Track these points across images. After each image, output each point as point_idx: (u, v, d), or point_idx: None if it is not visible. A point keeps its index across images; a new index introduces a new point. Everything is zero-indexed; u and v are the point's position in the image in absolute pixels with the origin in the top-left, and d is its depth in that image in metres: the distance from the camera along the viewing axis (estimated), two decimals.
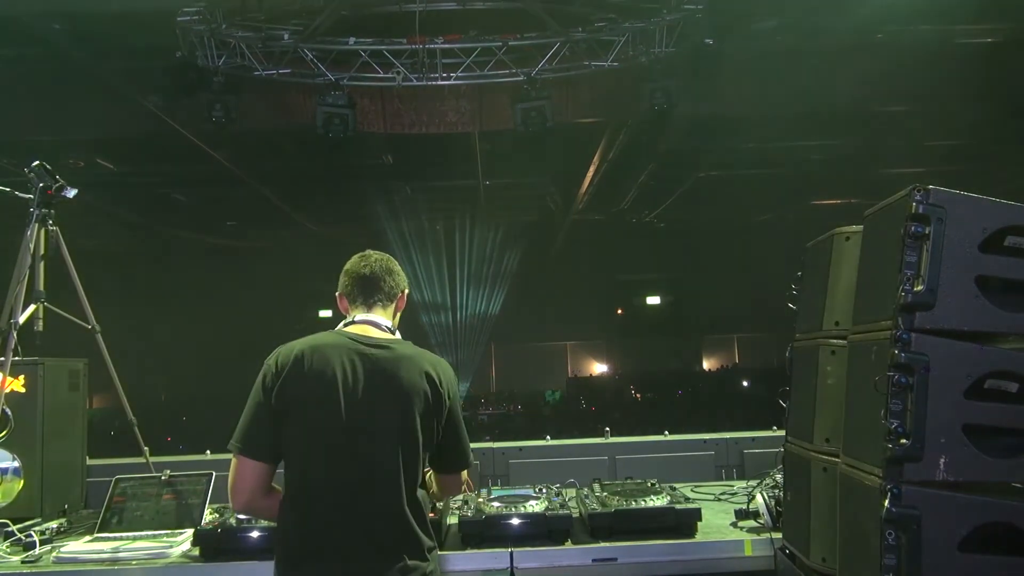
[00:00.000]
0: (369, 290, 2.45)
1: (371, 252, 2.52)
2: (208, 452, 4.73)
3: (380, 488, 2.22)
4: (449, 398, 2.34)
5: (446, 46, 6.61)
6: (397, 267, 2.53)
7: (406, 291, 2.57)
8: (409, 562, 2.22)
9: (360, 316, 2.43)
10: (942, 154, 12.60)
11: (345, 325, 2.44)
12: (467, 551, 2.93)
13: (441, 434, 2.35)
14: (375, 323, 2.42)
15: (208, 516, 3.32)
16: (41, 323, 3.90)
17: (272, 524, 2.45)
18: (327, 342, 2.32)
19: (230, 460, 4.09)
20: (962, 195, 2.00)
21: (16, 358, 3.65)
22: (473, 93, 7.57)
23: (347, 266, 2.50)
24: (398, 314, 2.54)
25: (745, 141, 11.63)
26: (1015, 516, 1.93)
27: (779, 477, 3.22)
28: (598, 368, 21.99)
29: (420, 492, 2.33)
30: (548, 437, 5.05)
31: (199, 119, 7.30)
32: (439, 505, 3.16)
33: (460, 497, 3.26)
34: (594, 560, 2.93)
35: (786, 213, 16.69)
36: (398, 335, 2.48)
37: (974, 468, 1.93)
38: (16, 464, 3.53)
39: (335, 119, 6.56)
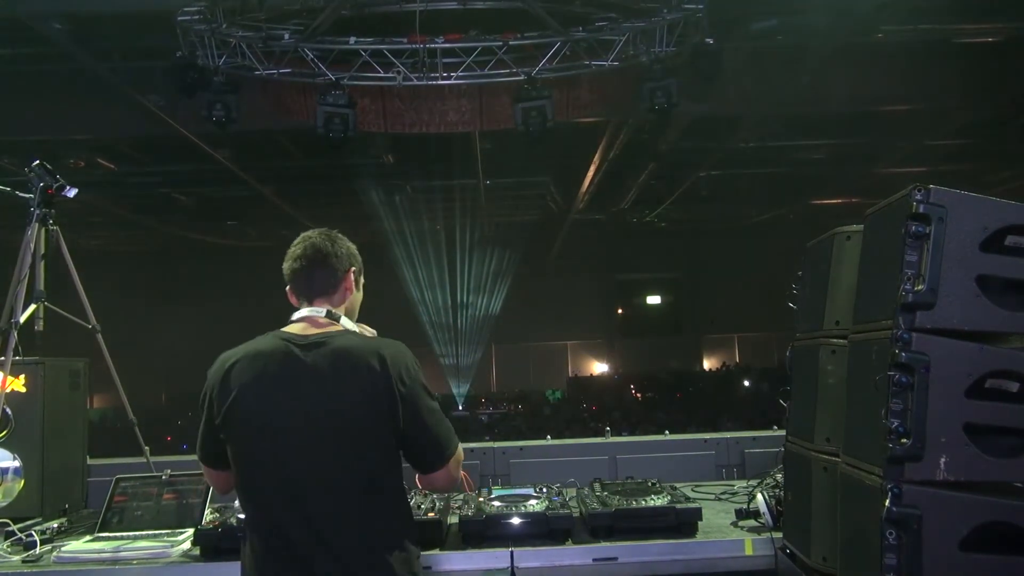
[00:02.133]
0: (306, 280, 2.26)
1: (308, 235, 2.31)
2: None
3: (326, 497, 2.07)
4: (402, 385, 2.09)
5: (446, 45, 6.61)
6: (339, 246, 2.30)
7: (355, 268, 2.34)
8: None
9: (300, 312, 2.26)
10: (942, 154, 12.61)
11: (290, 322, 2.28)
12: (468, 550, 2.93)
13: (403, 427, 2.10)
14: (313, 318, 2.23)
15: (208, 516, 3.32)
16: (42, 323, 3.90)
17: None
18: (259, 349, 2.17)
19: None
20: (963, 194, 2.00)
21: (17, 358, 3.65)
22: (473, 93, 7.56)
23: (286, 256, 2.30)
24: (351, 294, 2.33)
25: (745, 141, 11.64)
26: (1016, 516, 1.93)
27: (780, 477, 3.22)
28: (598, 368, 21.99)
29: (388, 500, 2.15)
30: (549, 437, 5.06)
31: (199, 119, 7.29)
32: (439, 504, 3.16)
33: (460, 496, 3.26)
34: (595, 560, 2.93)
35: (786, 213, 16.71)
36: (347, 323, 2.27)
37: (975, 468, 1.93)
38: (17, 464, 3.53)
39: (335, 119, 6.55)
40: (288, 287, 2.31)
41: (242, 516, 3.04)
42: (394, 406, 2.08)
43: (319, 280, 2.27)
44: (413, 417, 2.11)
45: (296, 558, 2.06)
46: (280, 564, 2.09)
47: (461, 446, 2.26)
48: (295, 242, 2.31)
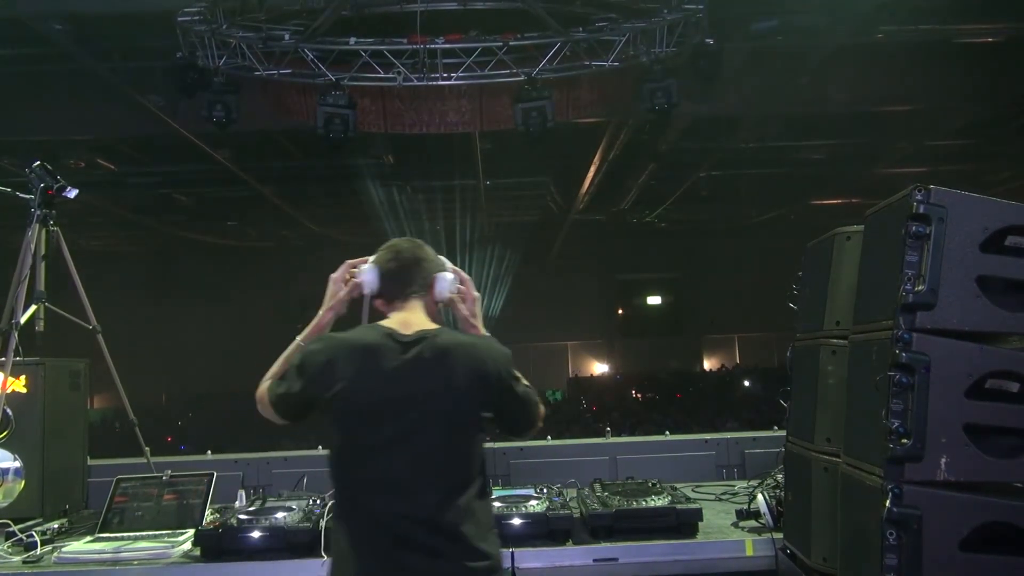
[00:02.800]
0: (402, 285, 2.36)
1: (397, 242, 2.44)
2: (209, 452, 4.74)
3: (428, 485, 2.16)
4: (500, 378, 2.24)
5: (447, 46, 6.60)
6: (428, 252, 2.43)
7: (441, 275, 2.43)
8: (470, 565, 2.14)
9: (398, 310, 2.35)
10: (942, 154, 12.61)
11: (382, 321, 2.36)
12: None
13: (502, 409, 2.28)
14: (413, 315, 2.34)
15: (209, 516, 3.33)
16: (42, 323, 3.91)
17: None
18: (365, 341, 2.25)
19: (231, 460, 4.09)
20: (963, 195, 2.00)
21: (17, 358, 3.65)
22: (474, 93, 7.55)
23: (373, 264, 2.41)
24: (437, 302, 2.44)
25: (745, 141, 11.63)
26: (1016, 516, 1.93)
27: (780, 477, 3.22)
28: (599, 368, 21.98)
29: (483, 487, 2.25)
30: (549, 437, 5.06)
31: (199, 119, 7.28)
32: None
33: None
34: (595, 560, 2.93)
35: (786, 213, 16.70)
36: (433, 324, 2.38)
37: (975, 468, 1.93)
38: (17, 464, 3.53)
39: (335, 119, 6.54)
40: (377, 292, 2.40)
41: (244, 516, 3.06)
42: (493, 397, 2.23)
43: (416, 283, 2.37)
44: (510, 399, 2.28)
45: (402, 546, 2.12)
46: (384, 552, 2.13)
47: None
48: (386, 248, 2.43)
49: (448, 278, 2.44)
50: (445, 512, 2.15)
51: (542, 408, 2.41)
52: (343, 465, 2.23)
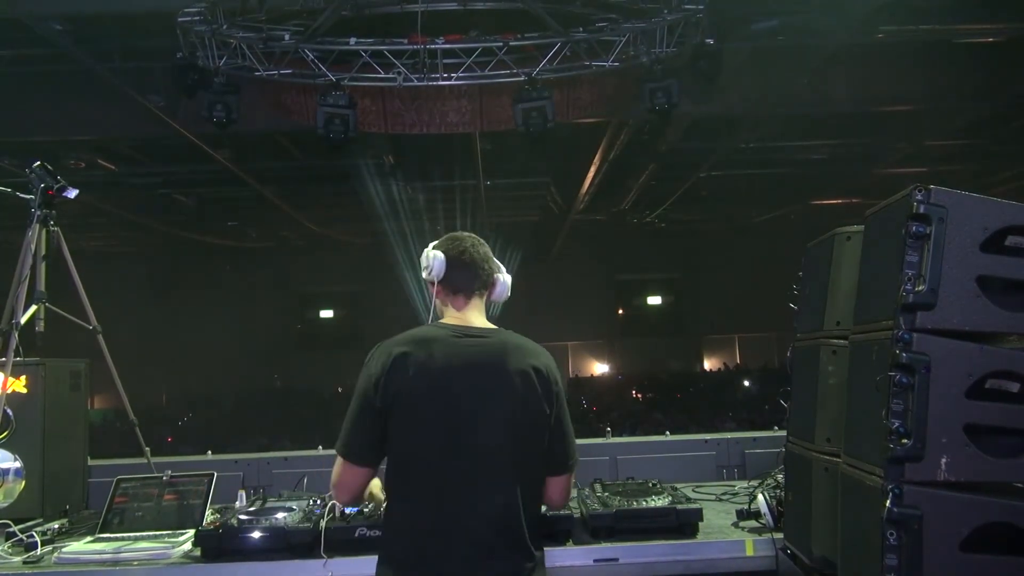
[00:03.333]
0: (469, 279, 2.34)
1: (463, 235, 2.41)
2: (209, 452, 4.74)
3: (490, 484, 2.15)
4: (557, 385, 2.24)
5: (447, 46, 6.60)
6: (489, 251, 2.43)
7: (501, 277, 2.45)
8: (525, 565, 2.16)
9: (458, 309, 2.34)
10: (942, 154, 12.61)
11: (443, 317, 2.36)
12: None
13: (552, 425, 2.22)
14: (473, 314, 2.34)
15: (209, 517, 3.33)
16: (42, 324, 3.91)
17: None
18: (429, 336, 2.23)
19: (231, 461, 4.11)
20: (963, 195, 2.00)
21: (17, 359, 3.65)
22: (474, 93, 7.55)
23: (440, 251, 2.36)
24: (491, 302, 2.47)
25: (745, 141, 11.64)
26: (1016, 516, 1.93)
27: (780, 477, 3.22)
28: (599, 368, 21.99)
29: (542, 491, 2.27)
30: None
31: (200, 119, 7.29)
32: None
33: None
34: (595, 560, 2.93)
35: (786, 213, 16.71)
36: (490, 324, 2.40)
37: (975, 468, 1.93)
38: (18, 465, 3.53)
39: (335, 119, 6.54)
40: (441, 280, 2.35)
41: (244, 517, 3.06)
42: (551, 403, 2.21)
43: (481, 279, 2.36)
44: (560, 417, 2.24)
45: (453, 542, 2.11)
46: (435, 548, 2.12)
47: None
48: (451, 237, 2.41)
49: (507, 281, 2.46)
50: (505, 512, 2.14)
51: (574, 474, 2.33)
52: (405, 466, 2.19)
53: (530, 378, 2.19)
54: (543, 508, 2.37)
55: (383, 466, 2.25)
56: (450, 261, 2.34)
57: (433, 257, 2.35)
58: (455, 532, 2.12)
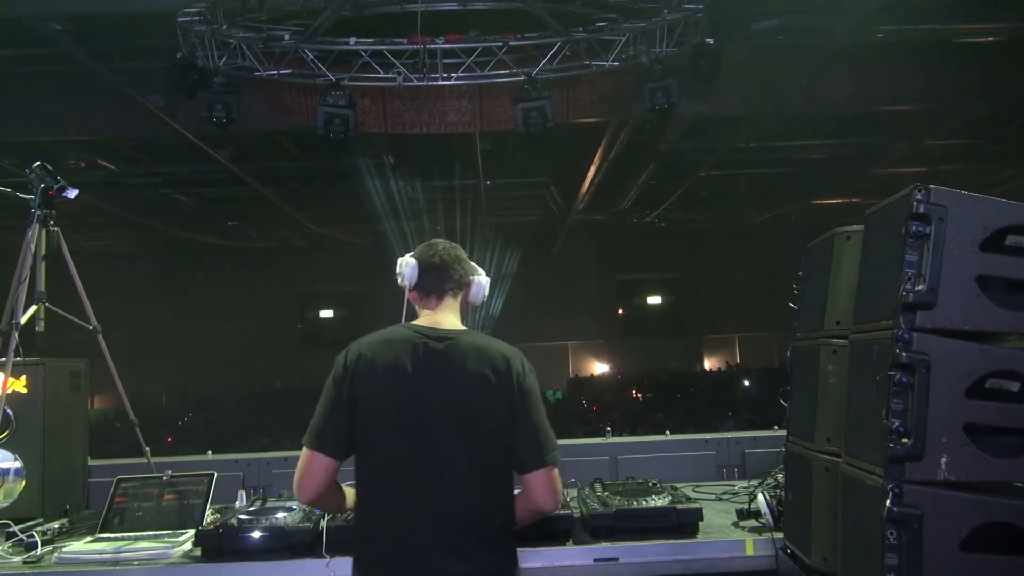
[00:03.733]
0: (439, 280, 2.40)
1: (438, 242, 2.47)
2: (209, 452, 4.74)
3: (451, 485, 2.18)
4: (520, 388, 2.24)
5: (447, 46, 6.60)
6: (464, 255, 2.48)
7: (477, 279, 2.50)
8: (493, 563, 2.19)
9: (430, 310, 2.39)
10: (942, 154, 12.61)
11: (415, 319, 2.41)
12: None
13: (516, 420, 2.24)
14: (444, 316, 2.39)
15: (209, 516, 3.33)
16: (42, 324, 3.91)
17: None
18: (394, 337, 2.29)
19: (231, 461, 4.11)
20: (963, 194, 2.00)
21: (17, 359, 3.65)
22: (474, 93, 7.56)
23: (413, 257, 2.43)
24: (468, 303, 2.51)
25: (745, 141, 11.64)
26: (1016, 516, 1.93)
27: (780, 477, 3.22)
28: (599, 368, 21.99)
29: (506, 491, 2.27)
30: None
31: (200, 119, 7.29)
32: None
33: None
34: (595, 560, 2.93)
35: (786, 213, 16.71)
36: (462, 325, 2.43)
37: (975, 467, 1.93)
38: (18, 465, 3.53)
39: (335, 119, 6.54)
40: (414, 285, 2.41)
41: (244, 516, 3.06)
42: (515, 401, 2.23)
43: (453, 280, 2.41)
44: (528, 414, 2.25)
45: (416, 541, 2.15)
46: (400, 548, 2.16)
47: (558, 473, 2.30)
48: (426, 244, 2.46)
49: (484, 283, 2.50)
50: (467, 511, 2.18)
51: (557, 460, 2.28)
52: (368, 466, 2.25)
53: (488, 378, 2.22)
54: (535, 512, 2.32)
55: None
56: (421, 266, 2.41)
57: (405, 264, 2.43)
58: (418, 534, 2.16)
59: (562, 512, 3.05)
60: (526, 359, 2.33)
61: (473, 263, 2.52)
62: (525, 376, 2.27)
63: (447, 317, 2.39)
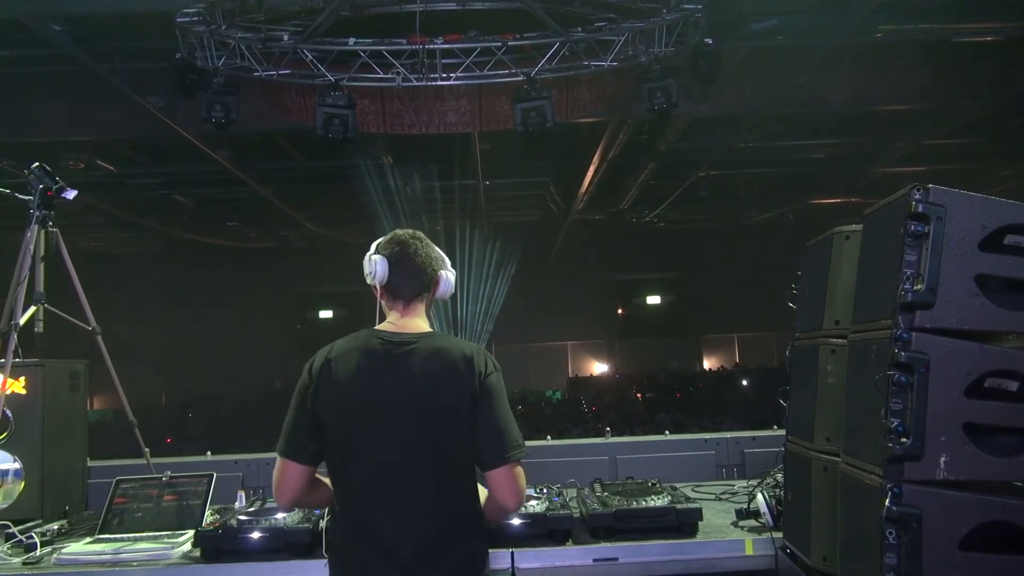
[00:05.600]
0: (410, 284, 2.36)
1: (406, 237, 2.39)
2: (209, 453, 4.73)
3: (415, 487, 2.20)
4: (482, 388, 2.22)
5: (446, 46, 6.60)
6: (432, 248, 2.42)
7: (444, 274, 2.43)
8: (460, 560, 2.21)
9: (398, 312, 2.36)
10: (942, 154, 12.61)
11: (382, 322, 2.38)
12: None
13: (477, 416, 2.23)
14: (411, 320, 2.36)
15: (209, 517, 3.33)
16: (41, 325, 3.90)
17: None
18: (356, 345, 2.30)
19: (231, 461, 4.11)
20: (962, 194, 2.00)
21: (16, 360, 3.65)
22: (473, 93, 7.56)
23: (381, 252, 2.36)
24: (435, 295, 2.45)
25: (744, 141, 11.63)
26: (1016, 515, 1.93)
27: (780, 476, 3.22)
28: (598, 368, 21.98)
29: (471, 492, 2.28)
30: (549, 437, 5.06)
31: (199, 120, 7.29)
32: None
33: None
34: (595, 560, 2.93)
35: (786, 213, 16.71)
36: (427, 327, 2.39)
37: (975, 467, 1.93)
38: (17, 466, 3.53)
39: (335, 120, 6.55)
40: (381, 283, 2.37)
41: (244, 517, 3.06)
42: (474, 400, 2.22)
43: (422, 282, 2.38)
44: (489, 411, 2.23)
45: (383, 544, 2.17)
46: (368, 549, 2.19)
47: (522, 471, 2.28)
48: (391, 240, 2.39)
49: (451, 278, 2.45)
50: (432, 517, 2.19)
51: (521, 454, 2.25)
52: (336, 476, 2.27)
53: (449, 380, 2.22)
54: (499, 510, 2.30)
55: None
56: (392, 265, 2.36)
57: (375, 262, 2.36)
58: (383, 536, 2.18)
59: (562, 512, 3.05)
60: (491, 357, 2.30)
61: (440, 253, 2.45)
62: (488, 374, 2.25)
63: (413, 321, 2.36)
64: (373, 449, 2.21)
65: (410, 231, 2.43)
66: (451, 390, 2.22)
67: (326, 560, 2.29)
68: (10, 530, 3.21)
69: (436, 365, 2.23)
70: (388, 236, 2.43)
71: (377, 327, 2.37)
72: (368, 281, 2.39)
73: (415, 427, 2.20)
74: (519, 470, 2.26)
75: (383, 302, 2.41)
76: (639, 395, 19.40)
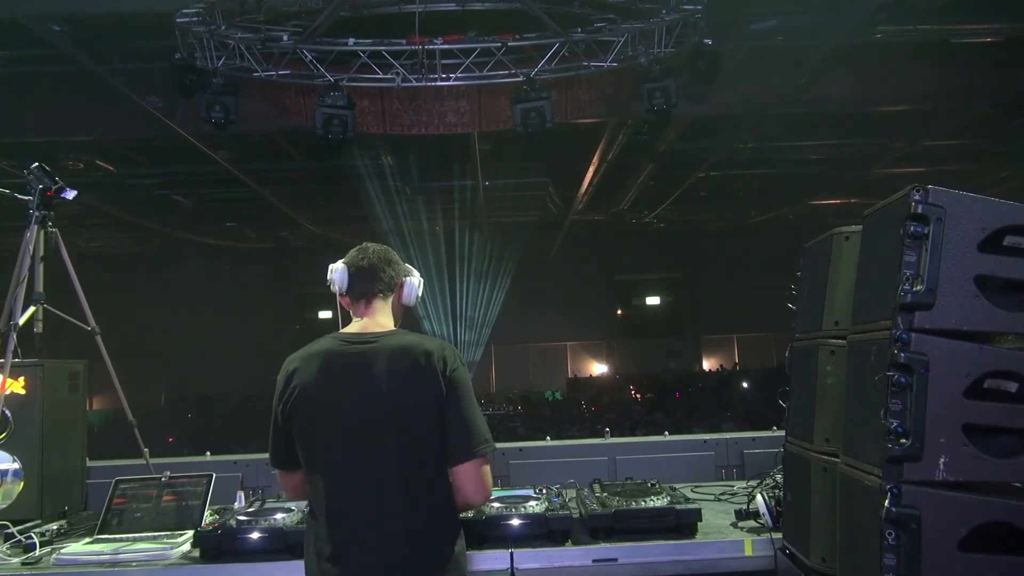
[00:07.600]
0: (368, 283, 2.42)
1: (369, 245, 2.49)
2: (208, 453, 4.73)
3: (382, 487, 2.21)
4: (448, 384, 2.24)
5: (445, 47, 6.60)
6: (396, 257, 2.50)
7: (409, 280, 2.51)
8: (432, 559, 2.21)
9: (360, 315, 2.43)
10: (941, 154, 12.61)
11: (346, 327, 2.43)
12: (467, 552, 2.92)
13: (443, 411, 2.24)
14: (374, 320, 2.40)
15: (208, 517, 3.33)
16: (41, 325, 3.90)
17: None
18: (320, 349, 2.33)
19: (230, 461, 4.13)
20: (961, 195, 2.00)
21: (16, 360, 3.65)
22: (472, 94, 7.55)
23: (342, 263, 2.46)
24: (400, 301, 2.51)
25: (744, 141, 11.63)
26: (1015, 516, 1.93)
27: (779, 477, 3.22)
28: (598, 368, 21.98)
29: (443, 490, 2.27)
30: (548, 438, 5.06)
31: (198, 120, 7.29)
32: None
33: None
34: (594, 560, 2.93)
35: (785, 213, 16.71)
36: (392, 326, 2.43)
37: (974, 468, 1.93)
38: (16, 466, 3.53)
39: (334, 120, 6.54)
40: (344, 289, 2.44)
41: (243, 517, 3.06)
42: (440, 395, 2.23)
43: (383, 282, 2.43)
44: (456, 406, 2.25)
45: (359, 544, 2.19)
46: (343, 550, 2.20)
47: (488, 467, 2.30)
48: (356, 248, 2.48)
49: (416, 284, 2.52)
50: (402, 516, 2.20)
51: (489, 451, 2.26)
52: (311, 480, 2.30)
53: (410, 376, 2.23)
54: (464, 505, 2.32)
55: None
56: (351, 270, 2.44)
57: (335, 270, 2.45)
58: (357, 536, 2.20)
59: (561, 512, 3.05)
60: (456, 352, 2.33)
61: (406, 265, 2.54)
62: (451, 369, 2.26)
63: (376, 321, 2.40)
64: (341, 453, 2.24)
65: (377, 243, 2.52)
66: (416, 387, 2.23)
67: None
68: (9, 530, 3.21)
69: (400, 362, 2.25)
70: (354, 249, 2.51)
71: (339, 330, 2.42)
72: (331, 290, 2.46)
73: (383, 425, 2.21)
74: (486, 467, 2.28)
75: (349, 310, 2.47)
76: (638, 396, 19.41)
